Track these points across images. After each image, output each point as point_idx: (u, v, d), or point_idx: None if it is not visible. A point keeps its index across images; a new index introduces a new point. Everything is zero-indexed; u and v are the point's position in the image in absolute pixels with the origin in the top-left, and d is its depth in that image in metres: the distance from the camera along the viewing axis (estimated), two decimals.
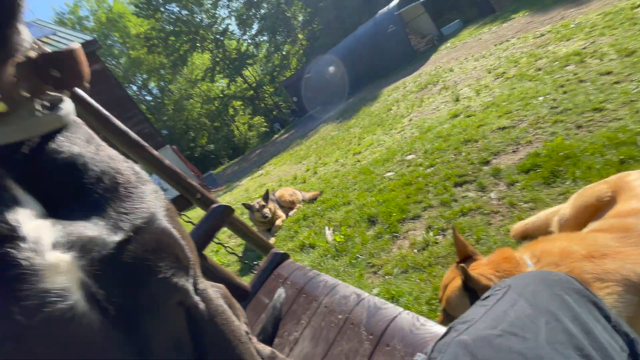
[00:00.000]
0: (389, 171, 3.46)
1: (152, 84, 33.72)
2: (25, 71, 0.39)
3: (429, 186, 2.64)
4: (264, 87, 32.68)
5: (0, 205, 0.34)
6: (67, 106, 0.46)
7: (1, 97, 0.37)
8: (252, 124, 35.22)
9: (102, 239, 0.39)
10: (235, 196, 7.92)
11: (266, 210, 3.46)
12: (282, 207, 3.87)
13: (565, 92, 3.02)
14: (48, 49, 0.43)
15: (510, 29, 7.83)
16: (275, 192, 4.01)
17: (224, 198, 8.70)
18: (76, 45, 0.45)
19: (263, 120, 34.40)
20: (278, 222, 3.59)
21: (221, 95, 32.88)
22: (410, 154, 3.63)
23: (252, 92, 32.53)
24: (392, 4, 13.06)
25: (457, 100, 4.81)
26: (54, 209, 0.38)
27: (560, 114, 2.67)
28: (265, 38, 29.95)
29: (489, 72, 5.26)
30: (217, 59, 28.17)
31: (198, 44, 27.09)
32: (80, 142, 0.44)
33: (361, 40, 14.20)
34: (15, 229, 0.33)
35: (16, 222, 0.34)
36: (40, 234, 0.35)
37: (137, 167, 0.52)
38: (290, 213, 3.78)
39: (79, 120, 0.48)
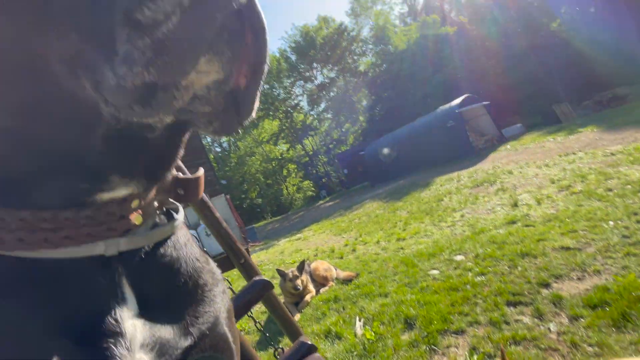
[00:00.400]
0: (434, 268, 3.27)
1: (223, 139, 38.21)
2: (161, 191, 0.49)
3: (478, 297, 2.42)
4: (320, 156, 34.89)
5: (112, 301, 0.39)
6: (180, 215, 0.54)
7: (142, 212, 0.45)
8: (301, 186, 36.81)
9: (175, 342, 0.42)
10: (270, 256, 7.95)
11: (299, 282, 3.41)
12: (314, 280, 3.78)
13: (639, 222, 2.74)
14: (180, 174, 0.54)
15: (577, 142, 7.63)
16: (311, 264, 3.96)
17: (259, 255, 8.77)
18: (201, 172, 0.57)
19: (312, 185, 35.85)
20: (307, 297, 3.48)
21: (280, 157, 35.88)
22: (459, 254, 3.42)
23: (307, 159, 34.91)
24: (453, 102, 13.81)
25: (516, 205, 4.60)
26: (146, 307, 0.42)
27: (634, 246, 2.39)
28: (329, 115, 33.17)
29: (553, 182, 5.04)
30: (284, 127, 31.64)
31: (271, 113, 30.90)
32: (180, 246, 0.51)
33: (419, 130, 14.87)
34: (119, 326, 0.38)
35: (120, 319, 0.39)
36: (135, 333, 0.39)
37: (214, 267, 0.57)
38: (322, 290, 3.66)
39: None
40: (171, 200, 0.54)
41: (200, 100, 0.38)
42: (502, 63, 22.05)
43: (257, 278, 1.32)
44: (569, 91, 17.77)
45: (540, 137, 10.81)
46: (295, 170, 37.01)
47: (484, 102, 14.11)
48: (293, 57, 30.68)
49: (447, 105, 14.19)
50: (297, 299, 3.51)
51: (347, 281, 3.69)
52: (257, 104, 0.44)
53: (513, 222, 3.94)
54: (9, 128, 0.35)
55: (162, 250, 0.48)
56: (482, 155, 11.31)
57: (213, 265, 0.58)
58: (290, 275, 3.51)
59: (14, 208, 0.36)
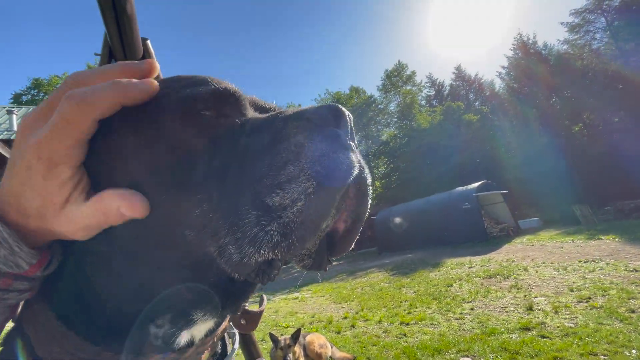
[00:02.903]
0: None
1: None
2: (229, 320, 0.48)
3: None
4: None
5: None
6: (236, 345, 0.55)
7: (210, 349, 0.43)
8: None
9: None
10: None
11: (291, 355, 3.20)
12: (307, 355, 3.53)
13: None
14: (246, 305, 0.53)
15: (598, 250, 7.37)
16: (306, 336, 3.74)
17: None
18: (264, 306, 0.57)
19: None
20: None
21: None
22: (467, 356, 3.17)
23: None
24: (471, 186, 13.92)
25: (530, 309, 4.33)
26: None
27: None
28: None
29: (571, 290, 4.78)
30: None
31: None
32: None
33: (434, 206, 14.81)
34: None
35: None
36: None
37: None
38: None
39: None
40: (230, 325, 0.54)
41: None
42: (521, 155, 22.63)
43: None
44: (587, 193, 17.71)
45: (559, 236, 10.53)
46: None
47: (502, 191, 14.16)
48: None
49: (464, 187, 14.29)
50: None
51: None
52: (352, 246, 0.44)
53: (527, 328, 3.69)
54: (137, 281, 0.36)
55: None
56: (496, 243, 11.00)
57: None
58: (283, 343, 3.31)
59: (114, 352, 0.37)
